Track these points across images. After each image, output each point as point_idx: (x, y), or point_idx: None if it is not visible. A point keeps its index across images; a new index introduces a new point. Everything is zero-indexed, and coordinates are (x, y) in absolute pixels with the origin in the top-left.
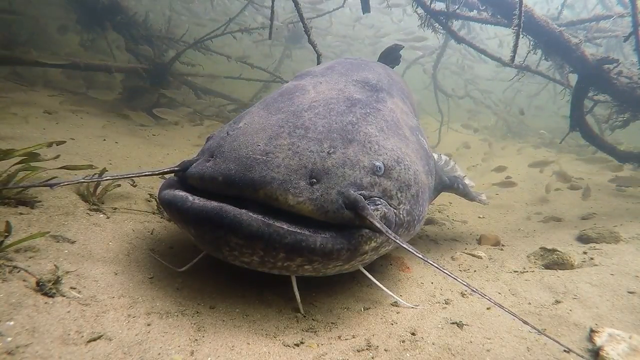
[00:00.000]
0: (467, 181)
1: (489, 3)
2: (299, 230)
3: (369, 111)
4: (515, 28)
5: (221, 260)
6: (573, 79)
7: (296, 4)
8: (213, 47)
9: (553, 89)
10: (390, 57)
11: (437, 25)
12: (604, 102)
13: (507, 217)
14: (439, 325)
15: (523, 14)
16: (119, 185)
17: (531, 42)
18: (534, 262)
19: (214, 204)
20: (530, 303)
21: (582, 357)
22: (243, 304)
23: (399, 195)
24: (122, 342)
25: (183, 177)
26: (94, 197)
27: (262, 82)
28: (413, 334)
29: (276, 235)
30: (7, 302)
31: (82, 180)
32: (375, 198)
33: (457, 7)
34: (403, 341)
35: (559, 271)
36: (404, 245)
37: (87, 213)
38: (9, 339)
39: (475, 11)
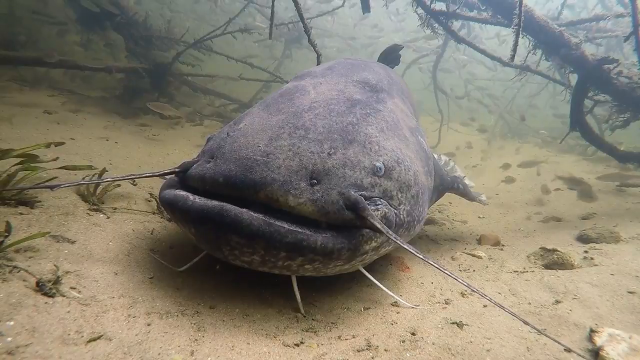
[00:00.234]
0: (466, 181)
1: (489, 3)
2: (300, 230)
3: (369, 112)
4: (515, 27)
5: (221, 260)
6: (573, 79)
7: (296, 4)
8: (217, 47)
9: (553, 89)
10: (390, 57)
11: (436, 25)
12: (604, 102)
13: (507, 217)
14: (439, 325)
15: (523, 14)
16: (119, 185)
17: (531, 42)
18: (534, 262)
19: (214, 203)
20: (530, 303)
21: (582, 357)
22: (243, 304)
23: (399, 195)
24: (122, 342)
25: (184, 178)
26: (94, 197)
27: (266, 81)
28: (413, 334)
29: (277, 235)
30: (7, 302)
31: (83, 182)
32: (376, 198)
33: (457, 7)
34: (403, 341)
35: (559, 271)
36: (405, 246)
37: (87, 213)
38: (9, 339)
39: (475, 11)
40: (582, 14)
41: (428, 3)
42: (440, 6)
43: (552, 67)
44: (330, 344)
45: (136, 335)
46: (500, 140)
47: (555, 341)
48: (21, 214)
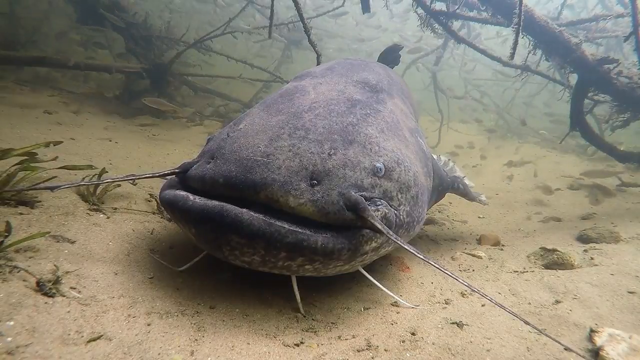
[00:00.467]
0: (466, 181)
1: (489, 3)
2: (300, 230)
3: (369, 112)
4: (515, 27)
5: (221, 260)
6: (573, 79)
7: (296, 4)
8: (217, 47)
9: (553, 89)
10: (390, 57)
11: (436, 25)
12: (604, 102)
13: (507, 217)
14: (439, 325)
15: (523, 14)
16: (119, 185)
17: (531, 42)
18: (534, 262)
19: (215, 203)
20: (530, 303)
21: (582, 357)
22: (243, 304)
23: (399, 196)
24: (122, 342)
25: (184, 178)
26: (94, 197)
27: (266, 81)
28: (413, 334)
29: (277, 235)
30: (7, 302)
31: (83, 183)
32: (376, 199)
33: (457, 7)
34: (403, 341)
35: (559, 271)
36: (405, 246)
37: (87, 213)
38: (9, 339)
39: (475, 11)
40: (582, 14)
41: (428, 3)
42: (440, 6)
43: (552, 67)
44: (330, 344)
45: (136, 335)
46: (500, 140)
47: (556, 341)
48: (21, 214)
